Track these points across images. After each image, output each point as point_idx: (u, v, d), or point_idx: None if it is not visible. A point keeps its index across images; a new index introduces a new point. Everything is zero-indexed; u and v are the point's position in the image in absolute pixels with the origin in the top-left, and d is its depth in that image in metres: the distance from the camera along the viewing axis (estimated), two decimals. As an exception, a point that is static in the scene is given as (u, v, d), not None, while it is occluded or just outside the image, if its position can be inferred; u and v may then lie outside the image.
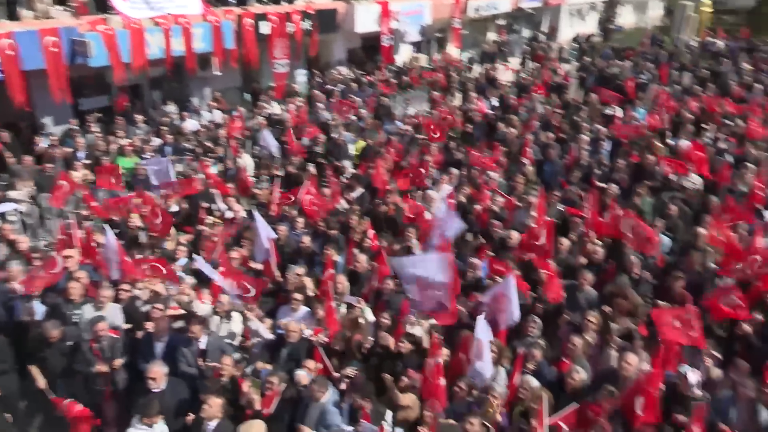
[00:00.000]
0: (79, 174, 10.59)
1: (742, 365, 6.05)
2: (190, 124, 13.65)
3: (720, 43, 25.99)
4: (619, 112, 14.95)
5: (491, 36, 29.14)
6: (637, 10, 41.14)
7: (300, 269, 7.79)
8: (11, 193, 9.86)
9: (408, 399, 5.86)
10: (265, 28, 15.84)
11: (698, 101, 15.39)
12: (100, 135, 12.33)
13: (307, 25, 17.22)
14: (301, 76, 18.54)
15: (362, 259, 8.07)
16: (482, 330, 6.01)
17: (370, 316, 7.15)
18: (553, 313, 7.11)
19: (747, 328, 6.66)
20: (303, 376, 5.90)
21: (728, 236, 8.27)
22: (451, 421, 5.36)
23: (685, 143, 12.17)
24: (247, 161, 11.86)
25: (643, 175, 10.77)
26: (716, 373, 6.17)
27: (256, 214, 8.49)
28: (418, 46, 23.87)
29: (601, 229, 8.71)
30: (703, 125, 13.38)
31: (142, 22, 13.11)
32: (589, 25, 36.78)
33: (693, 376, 5.65)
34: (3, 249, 8.27)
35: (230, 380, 5.92)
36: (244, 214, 9.72)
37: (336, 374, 6.16)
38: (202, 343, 6.46)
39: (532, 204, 9.38)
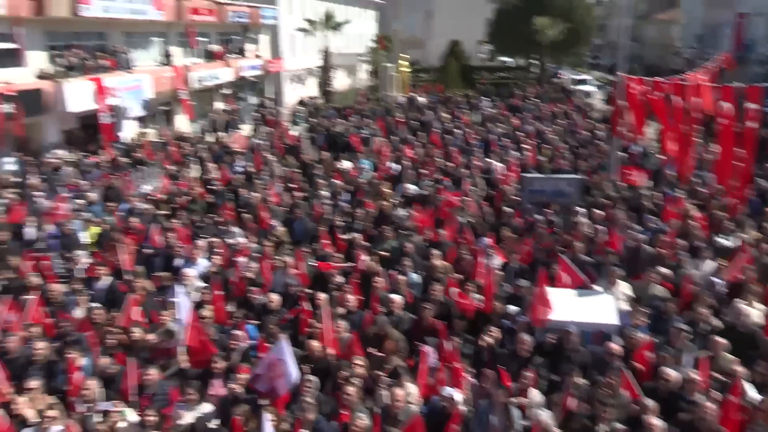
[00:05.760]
0: None
1: (490, 374, 6.87)
2: None
3: (422, 99, 30.09)
4: (348, 164, 16.22)
5: (218, 105, 29.37)
6: (348, 72, 45.61)
7: (34, 383, 6.74)
8: None
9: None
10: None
11: (413, 149, 17.48)
12: None
13: (8, 108, 15.31)
14: (8, 164, 16.33)
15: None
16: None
17: (133, 417, 6.47)
18: (326, 368, 7.26)
19: (489, 340, 7.61)
20: None
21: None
22: None
23: (412, 188, 13.71)
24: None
25: (383, 219, 11.77)
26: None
27: None
28: (143, 121, 22.92)
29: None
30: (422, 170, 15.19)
31: None
32: (310, 89, 39.52)
33: (457, 395, 6.25)
34: None
35: None
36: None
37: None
38: None
39: (288, 264, 9.56)
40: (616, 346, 6.96)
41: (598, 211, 11.43)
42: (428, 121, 22.76)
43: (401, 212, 12.22)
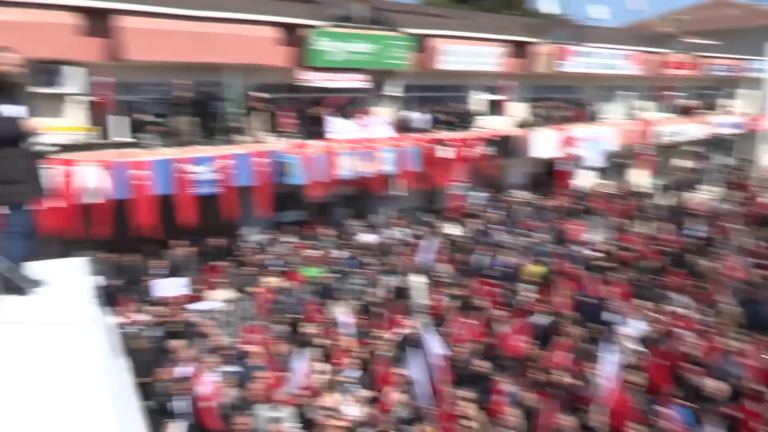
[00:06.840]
0: (272, 280, 11.59)
1: None
2: (369, 238, 14.46)
3: None
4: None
5: (681, 162, 27.64)
6: None
7: (466, 393, 7.49)
8: (215, 294, 11.07)
9: None
10: (447, 152, 16.59)
11: None
12: (292, 245, 13.50)
13: (490, 150, 17.76)
14: (479, 198, 18.83)
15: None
16: None
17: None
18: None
19: None
20: None
21: None
22: None
23: None
24: (419, 279, 12.07)
25: None
26: None
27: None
28: (600, 171, 23.30)
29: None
30: None
31: (337, 147, 14.43)
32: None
33: None
34: (200, 343, 9.19)
35: None
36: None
37: None
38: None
39: (738, 352, 8.20)
40: None
41: None
42: None
43: None
